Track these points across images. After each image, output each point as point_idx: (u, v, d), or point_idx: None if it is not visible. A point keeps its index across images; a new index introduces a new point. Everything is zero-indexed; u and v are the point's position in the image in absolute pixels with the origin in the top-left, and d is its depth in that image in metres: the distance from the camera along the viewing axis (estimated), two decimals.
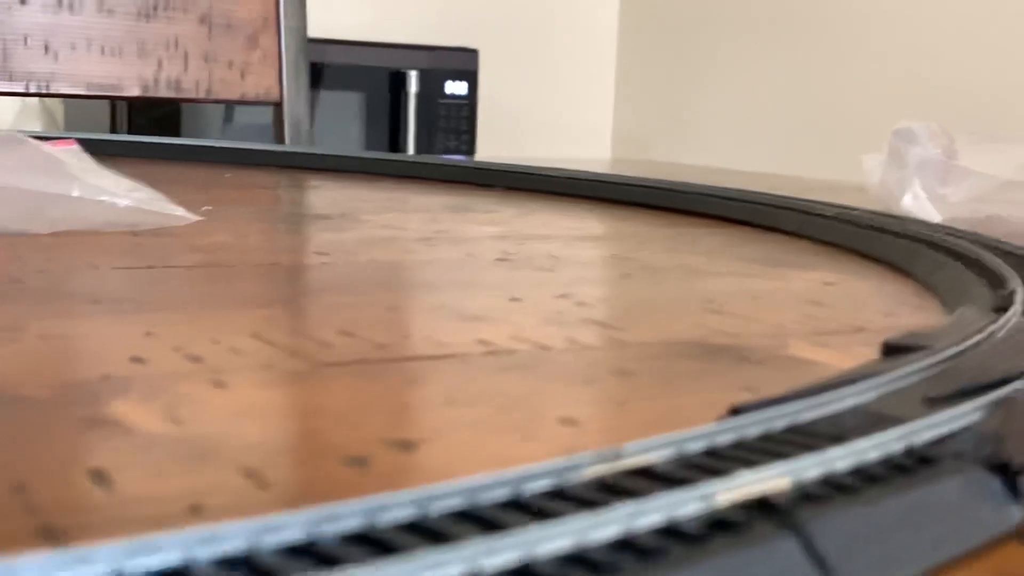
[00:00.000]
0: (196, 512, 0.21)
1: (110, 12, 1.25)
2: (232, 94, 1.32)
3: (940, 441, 0.22)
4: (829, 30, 1.96)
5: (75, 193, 0.55)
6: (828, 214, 0.65)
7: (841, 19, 1.94)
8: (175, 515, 0.21)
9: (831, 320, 0.41)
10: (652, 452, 0.21)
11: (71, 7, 1.24)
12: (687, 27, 2.24)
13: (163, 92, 1.29)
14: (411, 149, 2.02)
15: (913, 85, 1.79)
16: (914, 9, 1.81)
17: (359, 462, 0.24)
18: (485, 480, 0.18)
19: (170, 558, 0.16)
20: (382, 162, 1.02)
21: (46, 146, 0.61)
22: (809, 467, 0.20)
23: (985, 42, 1.71)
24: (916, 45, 1.81)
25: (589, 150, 2.35)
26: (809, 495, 0.19)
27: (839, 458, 0.21)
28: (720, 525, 0.18)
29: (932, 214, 0.70)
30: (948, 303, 0.45)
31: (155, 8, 1.28)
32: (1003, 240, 0.54)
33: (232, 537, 0.16)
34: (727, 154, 2.07)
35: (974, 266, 0.47)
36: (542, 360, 0.34)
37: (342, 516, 0.17)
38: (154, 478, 0.23)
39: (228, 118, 1.89)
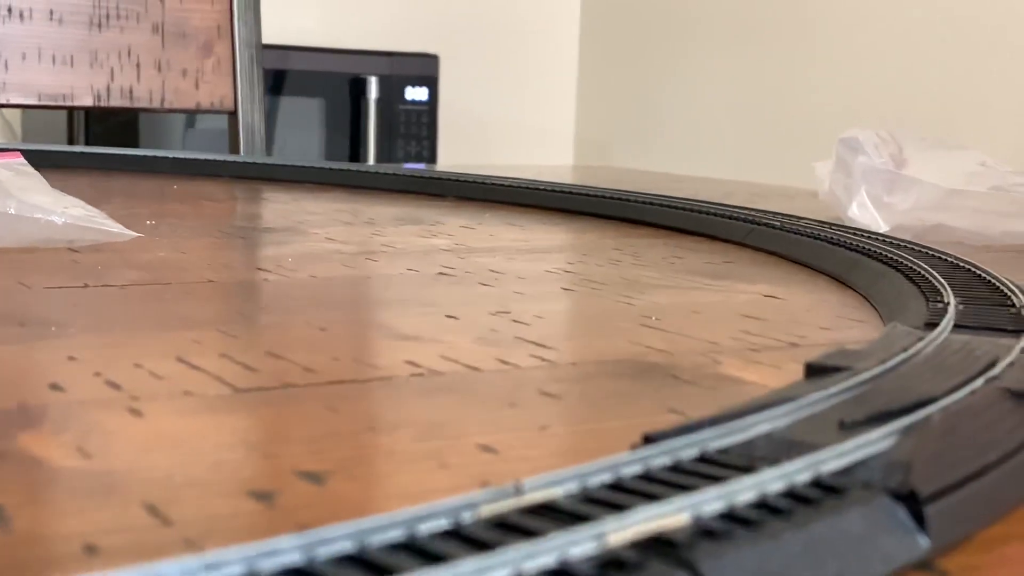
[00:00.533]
0: (91, 552, 0.20)
1: (60, 21, 1.24)
2: (187, 103, 1.31)
3: (849, 470, 0.22)
4: (789, 37, 1.97)
5: (11, 210, 0.54)
6: (775, 224, 0.65)
7: (801, 26, 1.95)
8: (69, 556, 0.20)
9: (767, 335, 0.41)
10: (554, 487, 0.20)
11: (21, 16, 1.23)
12: (649, 33, 2.25)
13: (116, 102, 1.28)
14: (372, 155, 2.01)
15: (871, 90, 1.80)
16: (872, 15, 1.82)
17: (266, 497, 0.23)
18: (377, 522, 0.18)
19: None
20: (335, 172, 1.02)
21: None
22: (710, 500, 0.20)
23: (940, 46, 1.73)
24: (874, 51, 1.82)
25: (551, 156, 2.35)
26: (708, 531, 0.19)
27: (743, 490, 0.20)
28: (615, 565, 0.18)
29: (878, 223, 0.71)
30: (886, 316, 0.45)
31: (107, 17, 1.27)
32: (947, 249, 0.54)
33: None
34: (689, 159, 2.07)
35: (913, 278, 0.47)
36: (469, 382, 0.33)
37: (226, 563, 0.17)
38: (54, 516, 0.22)
39: (190, 124, 1.88)
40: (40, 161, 0.67)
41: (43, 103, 1.25)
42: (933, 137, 0.82)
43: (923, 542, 0.21)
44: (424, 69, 2.08)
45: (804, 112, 1.90)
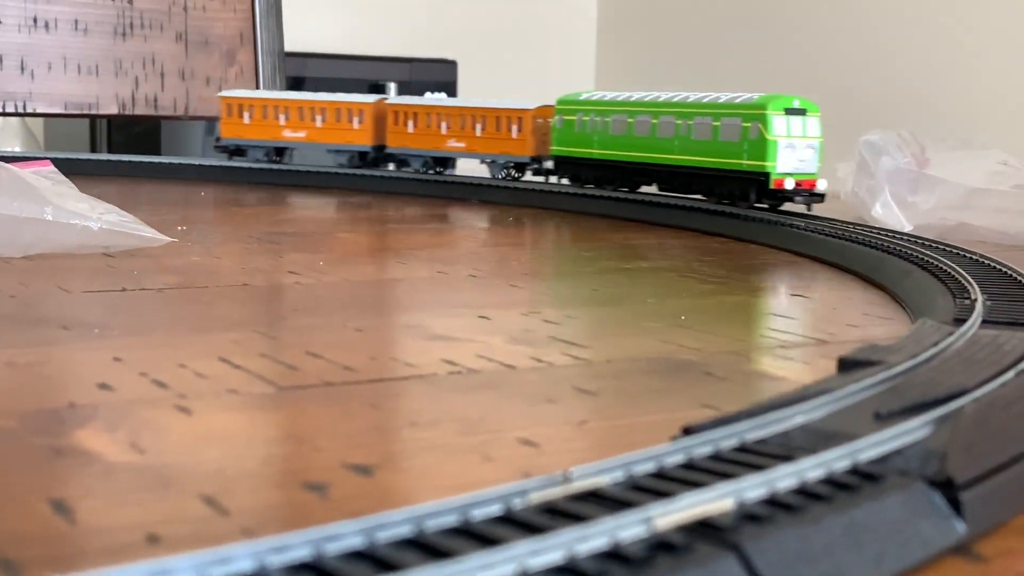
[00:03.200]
0: (154, 542, 0.21)
1: (86, 31, 1.25)
2: (210, 111, 1.32)
3: (885, 458, 0.23)
4: (810, 30, 1.97)
5: (49, 216, 0.55)
6: (799, 224, 0.66)
7: (823, 18, 1.95)
8: (133, 545, 0.21)
9: (795, 333, 0.42)
10: (601, 475, 0.21)
11: (47, 27, 1.24)
12: (665, 39, 2.25)
13: (141, 110, 1.29)
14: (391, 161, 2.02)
15: (889, 91, 1.81)
16: (891, 15, 1.83)
17: (318, 488, 0.24)
18: (432, 507, 0.19)
19: None
20: (359, 177, 1.03)
21: (20, 169, 0.61)
22: (753, 487, 0.20)
23: (959, 45, 1.73)
24: (893, 51, 1.82)
25: None
26: (752, 515, 0.20)
27: (783, 477, 0.21)
28: (663, 547, 0.18)
29: (902, 222, 0.71)
30: (913, 313, 0.45)
31: (131, 26, 1.29)
32: (971, 247, 0.54)
33: (183, 570, 0.17)
34: None
35: (939, 275, 0.47)
36: (506, 379, 0.34)
37: (292, 546, 0.18)
38: (114, 508, 0.23)
39: (210, 131, 1.89)
40: (66, 169, 0.68)
41: (69, 112, 1.26)
42: (954, 137, 0.83)
43: (960, 527, 0.21)
44: (443, 75, 2.09)
45: (823, 114, 1.90)
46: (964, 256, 0.53)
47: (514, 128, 0.91)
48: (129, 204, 0.72)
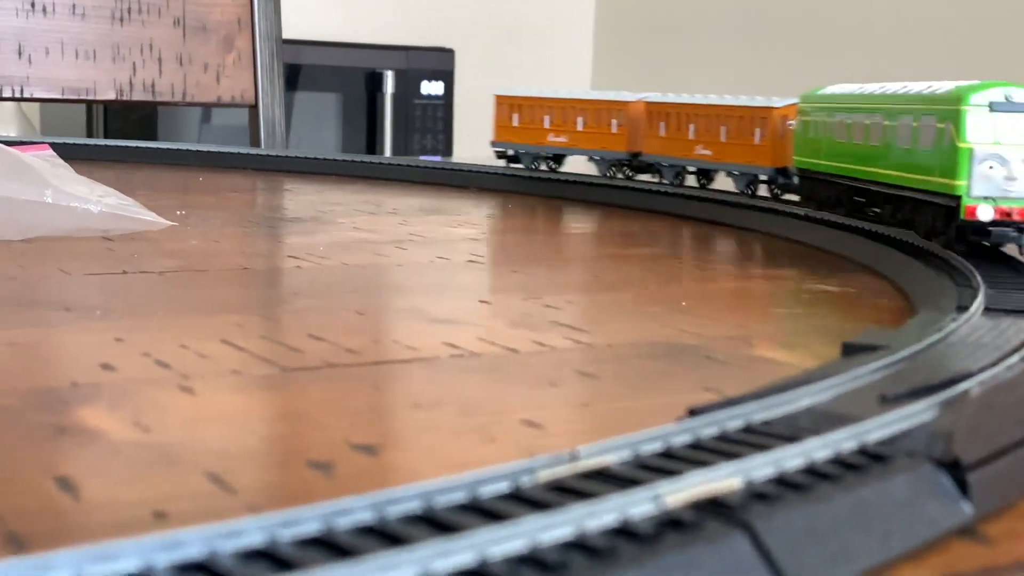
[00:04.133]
0: (160, 518, 0.21)
1: (83, 15, 1.25)
2: (208, 97, 1.32)
3: (892, 440, 0.23)
4: (807, 35, 1.97)
5: (48, 199, 0.55)
6: (800, 214, 0.66)
7: (820, 24, 1.95)
8: (139, 521, 0.21)
9: (797, 319, 0.42)
10: (608, 454, 0.21)
11: (44, 11, 1.24)
12: (664, 28, 2.25)
13: (138, 96, 1.28)
14: (388, 149, 2.02)
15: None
16: (893, 17, 1.82)
17: (323, 466, 0.24)
18: (441, 484, 0.19)
19: (130, 564, 0.16)
20: (356, 164, 1.02)
21: (18, 152, 0.61)
22: (760, 466, 0.20)
23: (959, 52, 1.73)
24: (896, 49, 1.82)
25: None
26: (760, 494, 0.20)
27: (790, 457, 0.21)
28: (673, 524, 0.18)
29: None
30: (915, 302, 0.45)
31: (128, 11, 1.28)
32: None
33: (192, 543, 0.17)
34: None
35: (941, 265, 0.47)
36: (508, 362, 0.34)
37: (301, 520, 0.17)
38: (119, 484, 0.23)
39: (206, 118, 1.89)
40: (63, 154, 0.67)
41: (66, 97, 1.26)
42: None
43: (967, 508, 0.21)
44: (440, 63, 2.09)
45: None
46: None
47: (756, 132, 0.71)
48: (127, 189, 0.72)
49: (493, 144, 0.93)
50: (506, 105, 0.92)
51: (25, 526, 0.20)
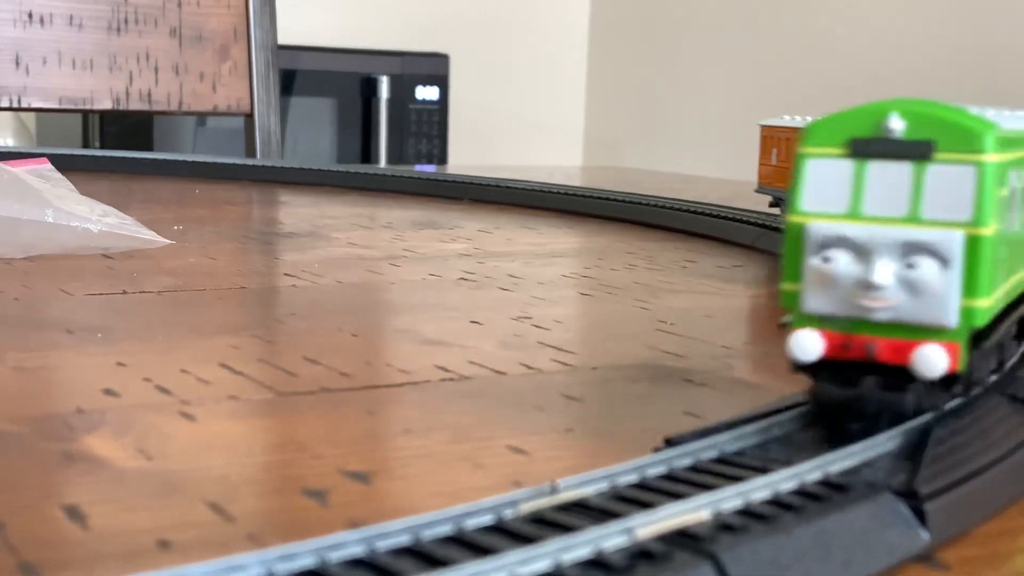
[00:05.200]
0: (165, 547, 0.22)
1: (80, 26, 1.26)
2: (204, 106, 1.33)
3: (856, 470, 0.24)
4: (803, 32, 1.99)
5: (49, 218, 0.56)
6: (783, 228, 0.67)
7: (817, 21, 1.96)
8: (145, 550, 0.22)
9: (778, 340, 0.43)
10: (586, 486, 0.22)
11: (41, 21, 1.25)
12: (659, 30, 2.27)
13: (135, 105, 1.30)
14: (383, 155, 2.03)
15: (888, 89, 1.82)
16: (890, 9, 1.84)
17: (318, 495, 0.25)
18: (429, 518, 0.20)
19: None
20: (351, 175, 1.04)
21: (19, 170, 0.62)
22: (729, 498, 0.22)
23: (958, 46, 1.74)
24: (892, 47, 1.84)
25: (561, 155, 2.37)
26: (727, 525, 0.21)
27: (758, 488, 0.22)
28: (644, 556, 0.20)
29: None
30: None
31: (125, 21, 1.29)
32: None
33: None
34: (700, 158, 2.09)
35: None
36: (496, 386, 0.35)
37: (297, 555, 0.19)
38: (126, 513, 0.24)
39: (201, 124, 1.90)
40: (61, 166, 0.69)
41: (64, 107, 1.27)
42: None
43: (924, 536, 0.23)
44: (435, 69, 2.10)
45: (819, 110, 1.92)
46: None
47: None
48: (124, 202, 0.73)
49: (759, 189, 0.69)
50: (771, 138, 0.69)
51: (38, 555, 0.22)
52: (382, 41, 2.15)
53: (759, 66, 2.04)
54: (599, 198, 0.84)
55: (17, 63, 1.24)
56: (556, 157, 2.32)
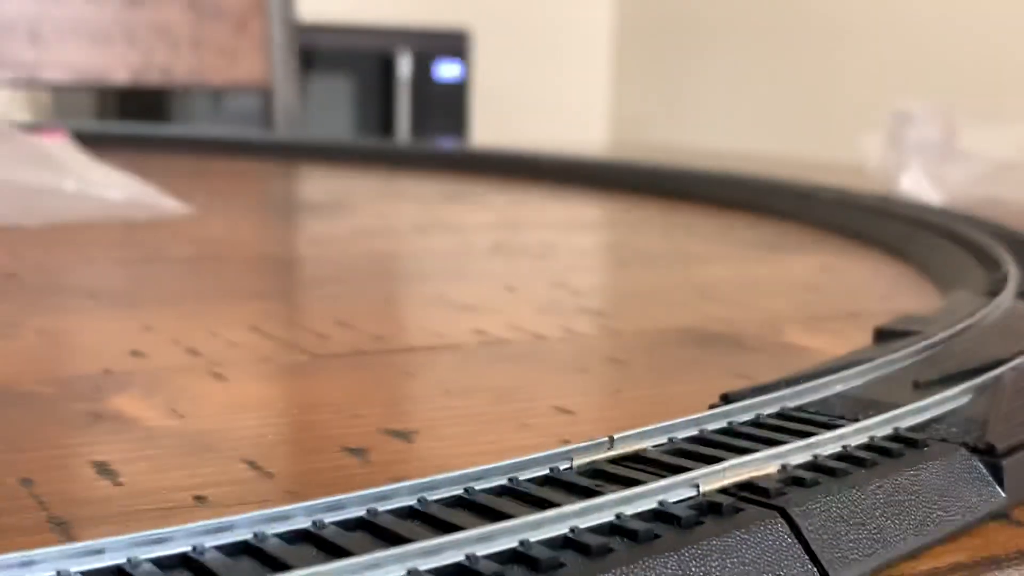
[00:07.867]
0: (201, 502, 0.21)
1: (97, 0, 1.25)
2: (223, 80, 1.32)
3: (926, 425, 0.23)
4: (829, 8, 1.96)
5: (70, 187, 0.55)
6: (825, 197, 0.66)
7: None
8: (181, 506, 0.21)
9: (827, 305, 0.42)
10: (643, 440, 0.21)
11: None
12: (685, 6, 2.24)
13: (153, 79, 1.29)
14: (404, 132, 2.02)
15: (911, 62, 1.80)
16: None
17: (359, 452, 0.24)
18: (481, 471, 0.19)
19: (179, 548, 0.16)
20: (375, 149, 1.03)
21: (38, 139, 0.61)
22: (796, 452, 0.21)
23: (985, 17, 1.71)
24: (915, 21, 1.81)
25: (586, 131, 2.35)
26: (796, 479, 0.20)
27: (825, 443, 0.21)
28: (710, 509, 0.19)
29: (931, 196, 0.71)
30: (944, 286, 0.45)
31: None
32: (1002, 221, 0.54)
33: (238, 527, 0.17)
34: (725, 133, 2.07)
35: (970, 249, 0.47)
36: (537, 349, 0.34)
37: (345, 506, 0.18)
38: (158, 471, 0.23)
39: (218, 98, 1.89)
40: (79, 140, 0.68)
41: (80, 81, 1.26)
42: (984, 110, 0.82)
43: (1000, 494, 0.21)
44: (457, 45, 2.08)
45: (844, 84, 1.89)
46: (995, 230, 0.52)
47: None
48: (144, 175, 0.72)
49: None
50: None
51: (68, 511, 0.21)
52: (403, 18, 2.13)
53: (785, 38, 2.02)
54: (631, 170, 0.82)
55: (34, 37, 1.23)
56: (581, 132, 2.30)
